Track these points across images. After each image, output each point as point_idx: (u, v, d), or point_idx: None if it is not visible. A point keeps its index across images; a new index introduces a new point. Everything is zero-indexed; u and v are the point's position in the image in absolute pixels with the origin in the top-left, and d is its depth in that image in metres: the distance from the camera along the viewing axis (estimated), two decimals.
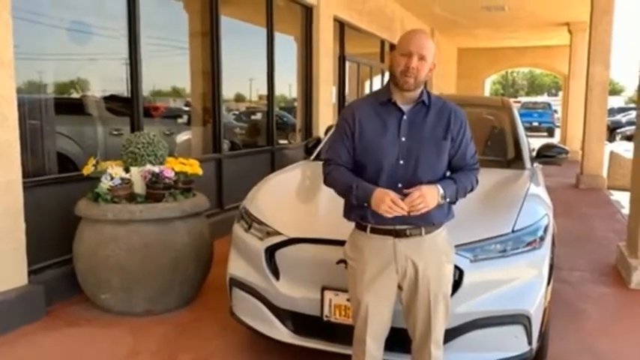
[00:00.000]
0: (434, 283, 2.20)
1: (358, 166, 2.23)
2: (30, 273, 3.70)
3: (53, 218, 3.98)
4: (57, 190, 4.06)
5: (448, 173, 2.27)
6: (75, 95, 5.01)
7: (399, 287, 2.23)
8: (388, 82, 2.25)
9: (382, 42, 12.27)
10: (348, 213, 2.29)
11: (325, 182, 2.30)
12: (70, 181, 4.12)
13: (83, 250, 3.68)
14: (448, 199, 2.17)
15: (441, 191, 2.12)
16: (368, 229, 2.21)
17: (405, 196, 2.07)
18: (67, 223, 3.87)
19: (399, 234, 2.17)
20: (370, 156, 2.19)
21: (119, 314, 3.69)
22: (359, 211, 2.20)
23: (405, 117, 2.19)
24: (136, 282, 3.61)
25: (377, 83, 12.51)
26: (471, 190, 2.29)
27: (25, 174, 3.67)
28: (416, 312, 2.23)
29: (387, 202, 2.03)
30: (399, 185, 2.14)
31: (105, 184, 3.65)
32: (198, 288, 4.00)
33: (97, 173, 3.76)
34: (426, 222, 2.17)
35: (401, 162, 2.16)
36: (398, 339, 2.37)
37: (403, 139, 2.17)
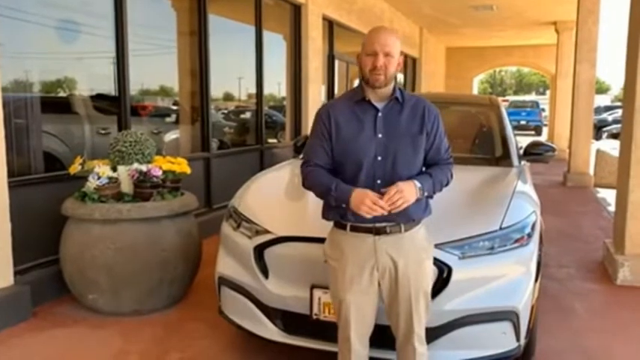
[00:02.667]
0: (414, 279, 2.21)
1: (337, 165, 2.23)
2: (16, 273, 3.66)
3: (39, 218, 3.94)
4: (43, 189, 4.02)
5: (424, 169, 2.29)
6: (62, 94, 4.96)
7: (380, 285, 2.24)
8: (360, 81, 2.27)
9: None
10: (326, 213, 2.29)
11: (303, 184, 2.29)
12: (56, 181, 4.08)
13: (70, 250, 3.65)
14: (426, 194, 2.18)
15: (419, 185, 2.13)
16: (348, 228, 2.22)
17: (382, 194, 2.07)
18: (53, 223, 3.84)
19: (378, 231, 2.18)
20: (348, 154, 2.19)
21: (107, 315, 3.66)
22: (338, 210, 2.20)
23: (380, 114, 2.21)
24: (123, 282, 3.58)
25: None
26: (447, 184, 2.32)
27: (11, 173, 3.62)
28: (397, 309, 2.24)
29: (366, 202, 2.04)
30: (378, 182, 2.16)
31: (92, 183, 3.62)
32: (187, 287, 3.98)
33: (84, 172, 3.73)
34: (405, 218, 2.19)
35: (379, 158, 2.17)
36: (384, 336, 2.37)
37: (380, 135, 2.19)
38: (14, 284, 3.62)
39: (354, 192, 2.09)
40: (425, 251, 2.28)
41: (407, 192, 2.08)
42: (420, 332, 2.27)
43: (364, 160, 2.17)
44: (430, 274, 2.30)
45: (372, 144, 2.17)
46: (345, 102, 2.29)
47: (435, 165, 2.29)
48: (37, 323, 3.59)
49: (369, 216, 2.06)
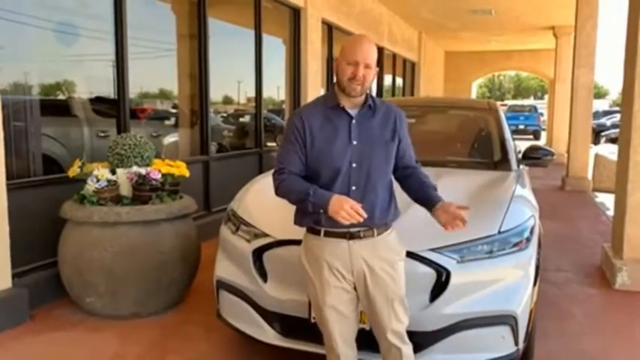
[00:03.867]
0: (389, 282, 2.22)
1: (310, 172, 2.22)
2: (14, 276, 3.65)
3: (38, 220, 3.94)
4: (42, 192, 4.02)
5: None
6: (61, 97, 4.96)
7: (355, 289, 2.24)
8: (333, 86, 2.27)
9: None
10: (299, 219, 2.28)
11: (277, 192, 2.26)
12: (55, 183, 4.08)
13: (68, 252, 3.65)
14: None
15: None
16: (322, 233, 2.22)
17: (359, 201, 2.08)
18: (52, 226, 3.83)
19: (352, 236, 2.19)
20: (323, 161, 2.18)
21: (105, 317, 3.66)
22: (312, 217, 2.20)
23: (354, 121, 2.21)
24: (121, 285, 3.58)
25: None
26: None
27: (10, 176, 3.62)
28: (376, 311, 2.24)
29: (345, 208, 2.03)
30: (353, 188, 2.17)
31: (91, 185, 3.62)
32: (185, 290, 3.98)
33: (83, 175, 3.73)
34: (377, 223, 2.21)
35: (354, 165, 2.18)
36: (371, 338, 2.36)
37: (354, 142, 2.19)
38: (12, 287, 3.61)
39: (332, 198, 2.07)
40: (398, 253, 2.29)
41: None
42: (400, 332, 2.26)
43: (340, 166, 2.17)
44: (403, 274, 2.30)
45: (347, 151, 2.18)
46: (318, 107, 2.28)
47: (407, 169, 2.33)
48: (34, 326, 3.58)
49: (345, 222, 2.05)
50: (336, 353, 2.29)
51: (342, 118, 2.22)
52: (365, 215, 2.05)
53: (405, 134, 2.32)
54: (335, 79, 2.25)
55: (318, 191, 2.12)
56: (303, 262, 2.31)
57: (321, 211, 2.10)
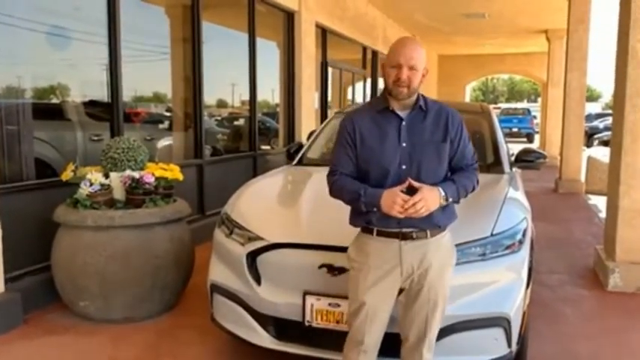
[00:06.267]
0: (436, 286, 2.22)
1: (361, 174, 2.24)
2: (7, 280, 3.64)
3: (31, 225, 3.92)
4: (35, 196, 4.00)
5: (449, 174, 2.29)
6: (54, 100, 4.95)
7: (401, 289, 2.24)
8: (384, 91, 2.28)
9: (364, 48, 12.35)
10: (354, 219, 2.29)
11: (331, 193, 2.28)
12: (48, 187, 4.07)
13: (61, 256, 3.63)
14: (450, 199, 2.19)
15: (442, 193, 2.14)
16: (374, 232, 2.22)
17: (408, 193, 2.08)
18: (45, 230, 3.82)
19: (405, 236, 2.18)
20: (373, 163, 2.20)
21: (98, 322, 3.64)
22: (365, 217, 2.21)
23: (403, 123, 2.22)
24: (115, 289, 3.57)
25: (359, 89, 12.58)
26: (473, 189, 2.32)
27: (2, 180, 3.61)
28: (414, 314, 2.25)
29: (398, 202, 2.04)
30: (403, 191, 2.15)
31: (84, 189, 3.61)
32: (179, 294, 3.97)
33: (76, 179, 3.72)
34: (431, 224, 2.19)
35: (403, 167, 2.18)
36: (388, 343, 2.37)
37: (404, 144, 2.19)
38: (5, 291, 3.59)
39: (384, 193, 2.09)
40: (449, 257, 2.29)
41: (430, 199, 2.09)
42: (431, 339, 2.27)
43: (389, 168, 2.17)
44: (450, 280, 2.30)
45: (397, 153, 2.18)
46: (368, 111, 2.30)
47: (460, 170, 2.29)
48: (27, 330, 3.56)
49: (400, 216, 2.06)
50: (359, 349, 2.27)
51: (392, 120, 2.23)
52: (419, 208, 2.04)
53: (460, 134, 2.27)
54: (383, 84, 2.25)
55: (369, 190, 2.13)
56: (352, 258, 2.30)
57: (375, 209, 2.11)
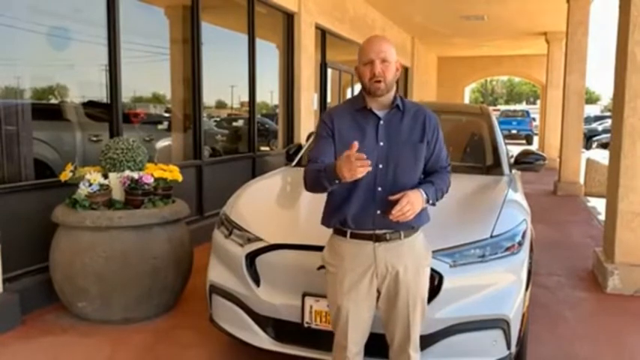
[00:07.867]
0: (413, 286, 2.21)
1: None
2: (5, 281, 3.63)
3: (29, 225, 3.91)
4: (33, 196, 3.99)
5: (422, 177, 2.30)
6: (53, 101, 4.94)
7: (378, 292, 2.24)
8: (361, 91, 2.28)
9: None
10: (327, 219, 2.29)
11: (305, 186, 2.23)
12: (47, 188, 4.06)
13: (60, 257, 3.62)
14: (430, 202, 2.19)
15: (424, 195, 2.14)
16: (348, 234, 2.22)
17: (390, 202, 2.07)
18: (43, 230, 3.81)
19: (378, 238, 2.18)
20: None
21: (96, 323, 3.63)
22: (338, 217, 2.21)
23: (381, 122, 2.22)
24: (114, 290, 3.56)
25: (358, 90, 12.56)
26: (446, 191, 2.33)
27: (0, 180, 3.60)
28: (395, 316, 2.24)
29: (354, 162, 1.89)
30: (379, 189, 2.16)
31: (83, 190, 3.60)
32: (178, 295, 3.96)
33: (75, 179, 3.71)
34: (405, 226, 2.19)
35: (380, 166, 2.17)
36: (376, 344, 2.37)
37: (381, 143, 2.20)
38: (3, 292, 3.58)
39: (337, 161, 1.99)
40: (424, 258, 2.29)
41: (415, 202, 2.09)
42: (415, 339, 2.27)
43: None
44: (427, 281, 2.31)
45: (374, 152, 2.17)
46: (347, 109, 2.30)
47: (435, 172, 2.30)
48: (25, 331, 3.55)
49: (363, 174, 1.92)
50: (344, 354, 2.27)
51: (370, 119, 2.22)
52: (407, 211, 2.04)
53: (436, 136, 2.27)
54: (360, 85, 2.25)
55: (328, 165, 2.06)
56: (326, 261, 2.30)
57: (337, 181, 2.01)
